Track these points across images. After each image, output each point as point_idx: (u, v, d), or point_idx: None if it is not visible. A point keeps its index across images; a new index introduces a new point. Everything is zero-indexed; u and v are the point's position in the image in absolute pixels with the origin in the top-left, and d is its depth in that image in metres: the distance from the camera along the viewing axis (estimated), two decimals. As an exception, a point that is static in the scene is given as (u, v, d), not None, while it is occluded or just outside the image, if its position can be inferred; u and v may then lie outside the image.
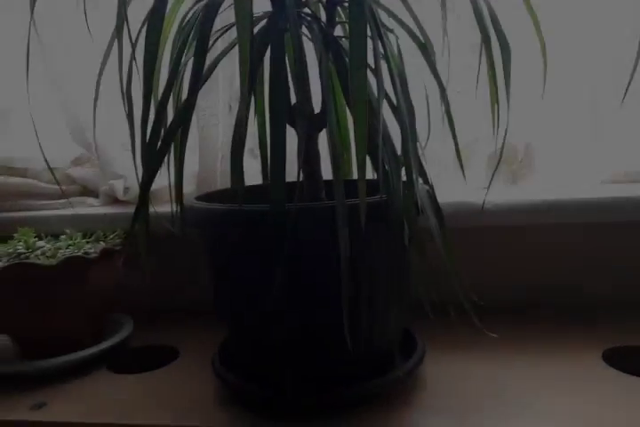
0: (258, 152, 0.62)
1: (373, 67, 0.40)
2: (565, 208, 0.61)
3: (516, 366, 0.54)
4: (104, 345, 0.60)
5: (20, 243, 0.61)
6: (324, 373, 0.47)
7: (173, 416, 0.48)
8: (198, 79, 0.40)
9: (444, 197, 0.50)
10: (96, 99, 0.53)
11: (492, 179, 0.48)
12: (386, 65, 0.41)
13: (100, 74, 0.52)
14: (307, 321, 0.45)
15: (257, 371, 0.49)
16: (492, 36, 0.42)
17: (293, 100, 0.43)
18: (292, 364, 0.47)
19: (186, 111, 0.41)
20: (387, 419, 0.45)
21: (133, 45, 0.43)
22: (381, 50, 0.40)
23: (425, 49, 0.46)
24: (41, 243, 0.62)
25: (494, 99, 0.46)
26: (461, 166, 0.51)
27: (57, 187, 0.77)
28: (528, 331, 0.61)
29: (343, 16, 0.51)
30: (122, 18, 0.43)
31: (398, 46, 0.44)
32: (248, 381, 0.48)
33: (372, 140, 0.39)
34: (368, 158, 0.43)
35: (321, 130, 0.49)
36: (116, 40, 0.45)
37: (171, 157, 0.49)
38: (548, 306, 0.67)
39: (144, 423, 0.47)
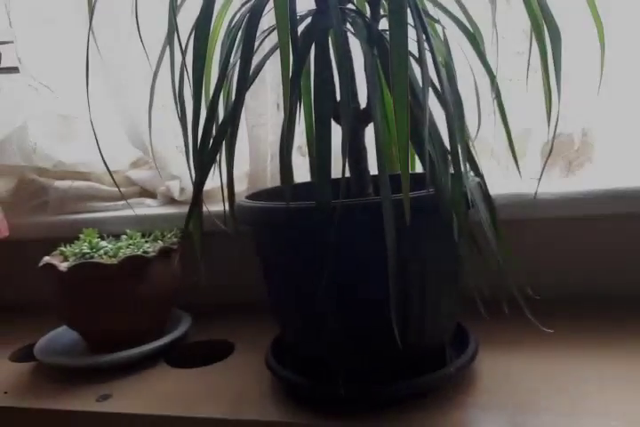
0: (306, 149, 0.62)
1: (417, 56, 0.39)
2: (627, 197, 0.58)
3: (572, 362, 0.51)
4: (164, 340, 0.62)
5: (85, 243, 0.64)
6: (375, 369, 0.47)
7: (229, 410, 0.49)
8: (245, 80, 0.41)
9: (497, 188, 0.48)
10: (151, 103, 0.55)
11: (543, 169, 0.46)
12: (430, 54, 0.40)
13: (154, 79, 0.54)
14: (357, 318, 0.45)
15: (308, 366, 0.49)
16: (542, 21, 0.41)
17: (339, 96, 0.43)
18: (343, 360, 0.47)
19: (234, 111, 0.42)
20: (438, 416, 0.45)
21: (183, 50, 0.45)
22: (424, 39, 0.40)
23: (473, 38, 0.45)
24: (103, 243, 0.65)
25: (547, 87, 0.45)
26: (514, 157, 0.49)
27: (117, 189, 0.81)
28: (586, 326, 0.59)
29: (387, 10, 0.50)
30: (172, 24, 0.45)
31: (445, 36, 0.43)
32: (300, 375, 0.49)
33: (419, 133, 0.39)
34: (416, 151, 0.43)
35: (367, 125, 0.49)
36: (168, 45, 0.47)
37: (223, 158, 0.50)
38: (606, 300, 0.64)
39: (202, 416, 0.49)
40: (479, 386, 0.49)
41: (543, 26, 0.41)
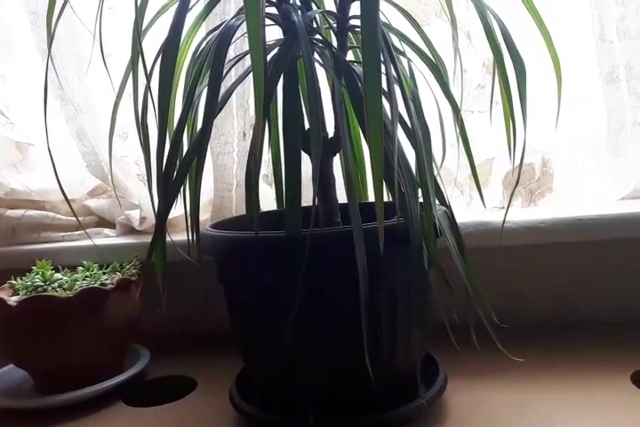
0: (272, 178, 0.62)
1: (386, 90, 0.40)
2: (585, 226, 0.59)
3: (541, 391, 0.51)
4: (120, 378, 0.59)
5: (38, 276, 0.61)
6: (345, 402, 0.46)
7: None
8: (213, 107, 0.40)
9: (461, 217, 0.49)
10: (112, 130, 0.54)
11: (510, 198, 0.47)
12: (398, 88, 0.41)
13: (116, 105, 0.53)
14: (326, 350, 0.44)
15: (275, 402, 0.47)
16: (504, 53, 0.42)
17: (307, 125, 0.43)
18: (313, 393, 0.45)
19: (201, 140, 0.41)
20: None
21: (148, 76, 0.44)
22: (394, 74, 0.40)
23: (437, 71, 0.46)
24: (58, 275, 0.62)
25: (509, 118, 0.46)
26: (478, 187, 0.50)
27: (75, 218, 0.78)
28: (553, 353, 0.59)
29: (354, 41, 0.51)
30: (137, 49, 0.44)
31: (411, 69, 0.44)
32: (266, 411, 0.47)
33: (388, 163, 0.39)
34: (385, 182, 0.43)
35: (335, 154, 0.49)
36: (131, 71, 0.46)
37: (186, 186, 0.49)
38: (572, 326, 0.65)
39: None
40: (449, 417, 0.48)
41: (504, 58, 0.43)
